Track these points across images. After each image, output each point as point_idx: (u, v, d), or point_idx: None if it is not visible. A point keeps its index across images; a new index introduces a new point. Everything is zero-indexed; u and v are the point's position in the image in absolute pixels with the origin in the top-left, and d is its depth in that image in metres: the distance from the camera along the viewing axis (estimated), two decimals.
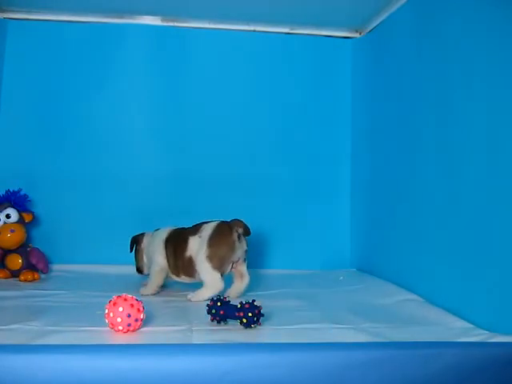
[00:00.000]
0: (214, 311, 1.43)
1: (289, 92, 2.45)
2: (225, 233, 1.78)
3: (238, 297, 1.79)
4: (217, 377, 1.07)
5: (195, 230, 1.85)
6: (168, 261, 1.89)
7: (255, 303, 1.40)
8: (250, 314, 1.37)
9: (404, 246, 1.90)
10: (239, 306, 1.40)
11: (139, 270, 2.06)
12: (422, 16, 1.82)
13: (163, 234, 1.94)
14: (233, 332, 1.37)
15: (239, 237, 1.79)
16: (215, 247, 1.77)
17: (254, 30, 2.42)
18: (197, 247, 1.80)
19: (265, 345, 1.20)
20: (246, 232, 1.80)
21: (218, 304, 1.43)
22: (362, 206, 2.35)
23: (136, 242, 2.04)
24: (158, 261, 1.89)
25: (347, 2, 2.15)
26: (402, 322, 1.50)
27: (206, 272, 1.77)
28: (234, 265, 1.81)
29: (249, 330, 1.38)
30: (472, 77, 1.52)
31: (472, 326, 1.42)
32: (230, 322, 1.44)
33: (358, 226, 2.40)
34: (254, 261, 2.32)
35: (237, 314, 1.39)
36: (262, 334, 1.38)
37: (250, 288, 1.91)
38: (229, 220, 1.82)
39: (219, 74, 2.42)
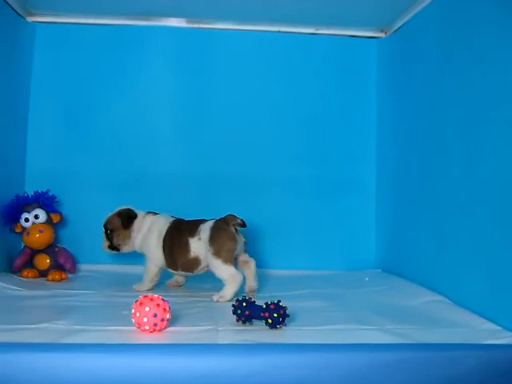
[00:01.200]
0: (239, 312, 1.44)
1: (314, 92, 2.45)
2: (223, 228, 1.83)
3: (253, 290, 1.83)
4: (242, 377, 1.08)
5: (193, 231, 1.88)
6: (165, 257, 1.92)
7: (280, 304, 1.40)
8: (275, 315, 1.37)
9: (430, 246, 1.89)
10: (264, 306, 1.40)
11: (116, 248, 2.00)
12: (448, 15, 1.81)
13: (162, 227, 1.95)
14: (258, 332, 1.37)
15: (236, 230, 1.84)
16: (219, 243, 1.81)
17: (279, 31, 2.42)
18: (201, 247, 1.85)
19: (290, 345, 1.20)
20: (242, 224, 1.83)
21: (244, 304, 1.44)
22: (388, 205, 2.34)
23: (134, 217, 1.99)
24: (157, 260, 1.94)
25: (372, 1, 2.14)
26: (428, 323, 1.49)
27: (220, 269, 1.80)
28: (237, 258, 1.86)
29: (274, 331, 1.38)
30: (498, 77, 1.50)
31: (499, 328, 1.40)
32: (256, 322, 1.44)
33: (383, 226, 2.39)
34: (279, 261, 2.33)
35: (262, 315, 1.39)
36: (288, 334, 1.38)
37: (274, 288, 1.92)
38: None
39: (244, 75, 2.43)
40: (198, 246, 1.86)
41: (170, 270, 1.96)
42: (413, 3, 2.07)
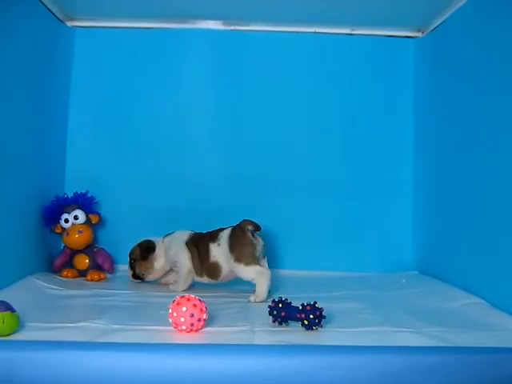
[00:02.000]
0: (275, 312, 1.44)
1: (350, 93, 2.43)
2: (239, 235, 1.86)
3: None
4: (278, 378, 1.08)
5: (213, 237, 1.93)
6: (193, 262, 1.96)
7: (317, 305, 1.39)
8: (311, 316, 1.37)
9: (468, 247, 1.86)
10: (301, 307, 1.40)
11: (139, 277, 2.08)
12: (486, 14, 1.78)
13: (183, 236, 2.01)
14: (294, 333, 1.37)
15: (253, 234, 1.86)
16: (238, 249, 1.84)
17: (315, 32, 2.42)
18: (220, 254, 1.90)
19: (326, 347, 1.20)
20: (256, 228, 1.86)
21: (280, 305, 1.44)
22: (425, 206, 2.31)
23: (152, 249, 2.06)
24: (186, 263, 1.96)
25: (409, 0, 2.11)
26: (466, 326, 1.46)
27: (244, 271, 1.83)
28: (257, 262, 1.86)
29: (310, 332, 1.38)
30: None
31: None
32: (292, 323, 1.44)
33: (420, 227, 2.36)
34: (315, 262, 2.33)
35: (298, 316, 1.39)
36: (323, 336, 1.37)
37: (309, 289, 1.92)
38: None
39: (280, 76, 2.43)
40: (218, 251, 1.90)
41: (195, 277, 1.98)
42: (450, 2, 2.04)
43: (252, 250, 1.84)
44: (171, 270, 2.07)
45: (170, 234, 2.07)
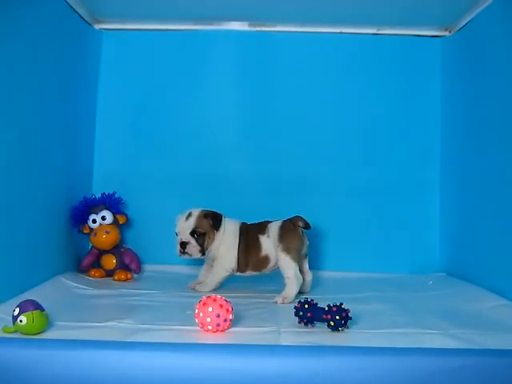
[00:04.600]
0: (301, 313, 1.44)
1: (377, 94, 2.42)
2: (290, 228, 1.89)
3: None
4: (304, 378, 1.08)
5: (262, 229, 1.94)
6: (238, 259, 1.95)
7: (343, 306, 1.39)
8: (337, 317, 1.37)
9: (497, 249, 1.84)
10: (327, 308, 1.40)
11: (204, 252, 1.94)
12: None
13: (235, 229, 1.98)
14: (320, 334, 1.37)
15: (302, 231, 1.90)
16: (287, 241, 1.87)
17: (341, 32, 2.41)
18: (270, 246, 1.90)
19: (353, 348, 1.19)
20: (307, 226, 1.90)
21: (306, 306, 1.44)
22: (452, 207, 2.29)
23: (221, 219, 1.97)
24: (229, 263, 1.95)
25: None
26: (494, 328, 1.45)
27: (289, 265, 1.84)
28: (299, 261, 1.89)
29: (336, 333, 1.38)
30: None
31: None
32: (318, 324, 1.44)
33: (447, 228, 2.34)
34: (341, 263, 2.32)
35: (324, 317, 1.39)
36: (350, 337, 1.37)
37: (335, 290, 1.92)
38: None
39: (307, 77, 2.42)
40: (268, 243, 1.91)
41: (237, 273, 1.98)
42: (478, 0, 2.01)
43: (300, 246, 1.88)
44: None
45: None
